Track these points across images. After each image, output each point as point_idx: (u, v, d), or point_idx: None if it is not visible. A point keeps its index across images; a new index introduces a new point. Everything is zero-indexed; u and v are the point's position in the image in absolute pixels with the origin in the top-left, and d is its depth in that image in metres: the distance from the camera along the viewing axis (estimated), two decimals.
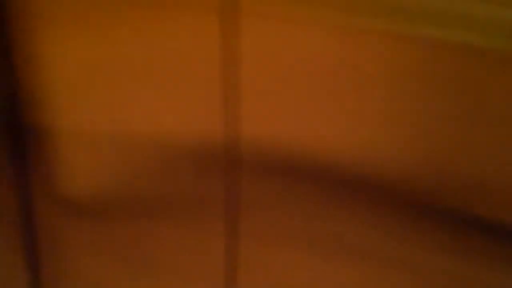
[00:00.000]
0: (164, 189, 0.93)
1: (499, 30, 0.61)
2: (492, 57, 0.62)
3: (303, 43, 0.70)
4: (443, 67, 0.65)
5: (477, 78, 0.64)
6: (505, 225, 0.69)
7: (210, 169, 0.86)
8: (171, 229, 0.95)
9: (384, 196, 0.74)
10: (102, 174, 0.99)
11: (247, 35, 0.72)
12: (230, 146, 0.82)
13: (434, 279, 0.76)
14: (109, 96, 0.88)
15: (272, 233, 0.85)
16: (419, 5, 0.62)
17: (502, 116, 0.64)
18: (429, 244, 0.74)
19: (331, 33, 0.68)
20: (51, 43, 0.86)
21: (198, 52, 0.75)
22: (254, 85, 0.75)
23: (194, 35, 0.73)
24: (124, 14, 0.76)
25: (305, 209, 0.80)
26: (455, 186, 0.69)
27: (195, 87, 0.80)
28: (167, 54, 0.78)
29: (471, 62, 0.63)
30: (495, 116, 0.65)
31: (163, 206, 0.95)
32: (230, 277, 0.93)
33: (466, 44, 0.62)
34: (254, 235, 0.87)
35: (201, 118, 0.82)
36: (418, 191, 0.71)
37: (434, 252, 0.74)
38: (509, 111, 0.64)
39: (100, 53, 0.84)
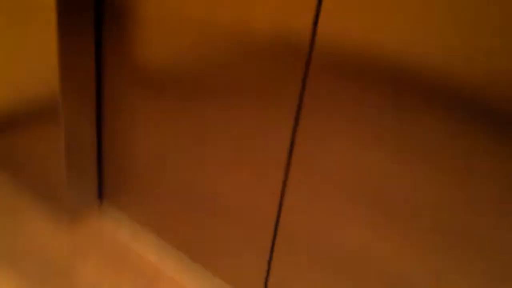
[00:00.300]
0: (237, 75, 0.95)
1: None
2: None
3: None
4: None
5: None
6: None
7: (286, 61, 0.88)
8: (239, 113, 0.98)
9: (440, 99, 0.76)
10: (179, 53, 1.01)
11: None
12: (309, 41, 0.84)
13: (478, 181, 0.77)
14: None
15: (329, 128, 0.88)
16: None
17: None
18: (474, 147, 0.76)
19: None
20: None
21: None
22: None
23: None
24: None
25: (363, 108, 0.83)
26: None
27: None
28: None
29: None
30: None
31: (234, 90, 0.97)
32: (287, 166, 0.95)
33: None
34: (313, 127, 0.90)
35: (287, 12, 0.85)
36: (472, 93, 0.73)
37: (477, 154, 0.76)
38: None
39: None
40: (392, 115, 0.81)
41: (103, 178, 1.38)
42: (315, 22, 0.83)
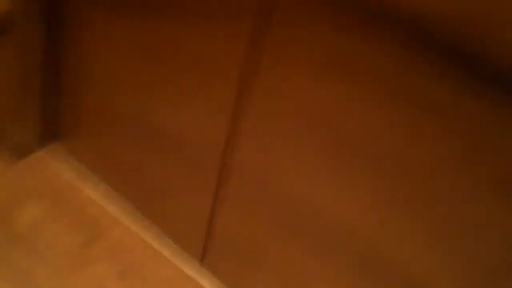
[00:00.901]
0: None
1: None
2: None
3: None
4: None
5: None
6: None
7: None
8: (191, 24, 0.94)
9: (400, 28, 0.74)
10: None
11: None
12: None
13: (430, 112, 0.76)
14: None
15: (283, 55, 0.85)
16: None
17: None
18: (432, 77, 0.74)
19: None
20: None
21: None
22: None
23: None
24: None
25: (329, 35, 0.80)
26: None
27: None
28: None
29: None
30: None
31: (189, 7, 0.93)
32: (246, 78, 0.92)
33: None
34: (278, 45, 0.86)
35: None
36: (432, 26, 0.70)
37: (434, 84, 0.74)
38: None
39: None
40: (350, 43, 0.79)
41: (49, 117, 1.33)
42: None
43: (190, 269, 1.18)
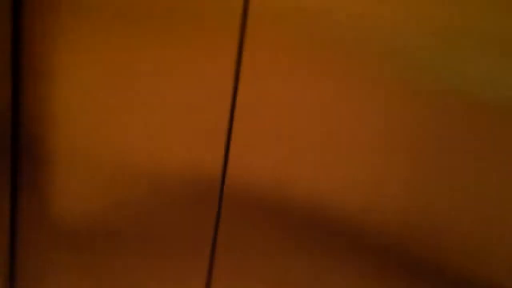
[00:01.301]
0: (152, 220, 0.90)
1: None
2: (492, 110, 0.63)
3: (295, 88, 0.69)
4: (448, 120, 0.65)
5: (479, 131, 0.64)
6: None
7: (200, 203, 0.84)
8: (156, 262, 0.92)
9: (366, 246, 0.72)
10: (93, 202, 0.95)
11: (246, 88, 0.71)
12: (221, 181, 0.81)
13: None
14: (108, 125, 0.87)
15: (245, 270, 0.83)
16: None
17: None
18: None
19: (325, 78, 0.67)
20: (58, 65, 0.85)
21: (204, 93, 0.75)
22: (245, 121, 0.74)
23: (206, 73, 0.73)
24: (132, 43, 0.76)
25: (281, 251, 0.79)
26: (448, 245, 0.69)
27: (195, 123, 0.79)
28: (171, 87, 0.77)
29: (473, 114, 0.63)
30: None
31: (151, 237, 0.92)
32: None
33: (467, 96, 0.63)
34: (229, 271, 0.85)
35: (196, 152, 0.81)
36: (404, 245, 0.70)
37: None
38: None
39: (100, 81, 0.83)
40: (305, 260, 0.78)
41: None
42: (225, 163, 0.80)
43: None
